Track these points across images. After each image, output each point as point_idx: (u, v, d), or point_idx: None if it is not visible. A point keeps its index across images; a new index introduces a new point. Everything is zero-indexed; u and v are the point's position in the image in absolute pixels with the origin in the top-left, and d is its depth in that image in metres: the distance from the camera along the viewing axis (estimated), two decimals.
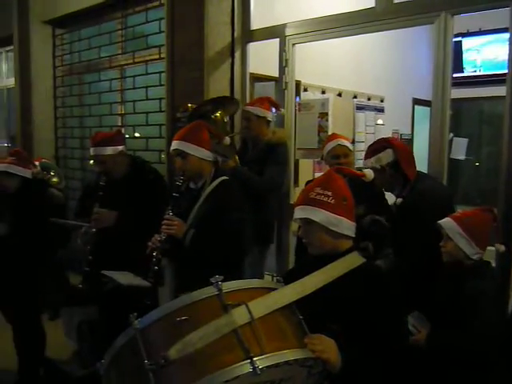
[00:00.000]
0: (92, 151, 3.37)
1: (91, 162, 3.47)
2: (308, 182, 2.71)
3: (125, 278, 3.01)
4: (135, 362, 1.50)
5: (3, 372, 4.05)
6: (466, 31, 7.48)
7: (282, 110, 4.24)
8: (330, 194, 1.92)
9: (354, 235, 1.98)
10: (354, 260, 1.93)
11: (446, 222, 2.42)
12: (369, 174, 2.17)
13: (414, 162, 2.93)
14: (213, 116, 3.90)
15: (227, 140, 3.70)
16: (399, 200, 2.87)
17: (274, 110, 4.09)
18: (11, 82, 7.82)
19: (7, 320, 3.81)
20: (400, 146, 2.93)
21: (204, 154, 2.86)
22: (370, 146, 3.06)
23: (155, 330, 1.54)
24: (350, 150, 3.49)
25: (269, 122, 4.05)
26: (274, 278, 4.27)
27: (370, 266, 1.95)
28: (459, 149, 6.98)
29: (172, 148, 2.89)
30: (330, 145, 3.50)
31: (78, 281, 3.84)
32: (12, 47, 7.43)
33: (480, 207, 2.51)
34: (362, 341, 1.73)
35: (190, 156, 2.83)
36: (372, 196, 2.92)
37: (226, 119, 4.02)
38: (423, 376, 2.24)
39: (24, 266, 3.59)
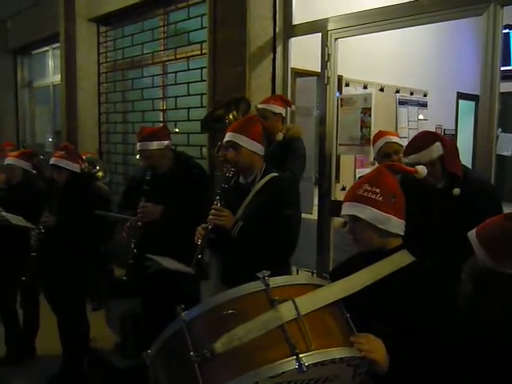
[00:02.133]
0: (138, 146, 3.41)
1: (137, 156, 3.52)
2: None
3: (169, 262, 3.06)
4: (181, 353, 1.51)
5: (49, 360, 4.18)
6: None
7: (293, 106, 4.24)
8: (378, 190, 1.89)
9: (402, 233, 1.93)
10: (402, 258, 1.88)
11: (470, 233, 2.15)
12: (421, 170, 2.08)
13: (458, 156, 2.86)
14: (227, 119, 3.92)
15: (280, 135, 3.73)
16: (457, 190, 2.77)
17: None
18: (57, 78, 8.01)
19: (53, 309, 3.92)
20: (447, 140, 2.86)
21: (256, 147, 2.87)
22: (412, 141, 2.95)
23: (202, 323, 1.55)
24: (400, 146, 3.43)
25: (283, 118, 4.05)
26: (314, 275, 4.29)
27: (419, 264, 1.90)
28: (506, 145, 6.78)
29: (225, 139, 2.91)
30: (378, 144, 3.45)
31: (121, 273, 3.91)
32: (58, 45, 7.61)
33: (505, 214, 2.17)
34: (411, 341, 1.69)
35: (243, 148, 2.84)
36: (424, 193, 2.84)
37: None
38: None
39: (70, 257, 3.69)
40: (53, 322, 3.89)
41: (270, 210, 2.74)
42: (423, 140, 2.86)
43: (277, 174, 2.90)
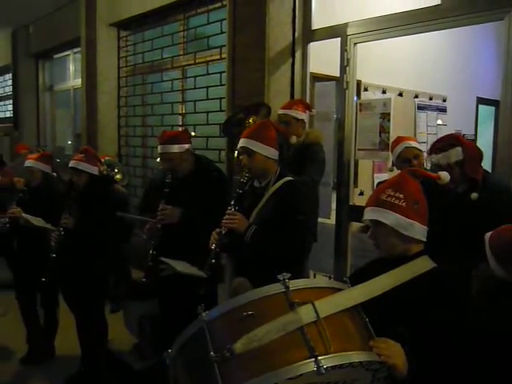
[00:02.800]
0: (159, 149, 3.44)
1: (158, 159, 3.55)
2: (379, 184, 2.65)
3: (181, 266, 3.07)
4: (201, 353, 1.52)
5: (68, 359, 4.22)
6: None
7: (313, 110, 4.24)
8: (401, 196, 1.88)
9: (425, 239, 1.93)
10: (423, 264, 1.88)
11: (486, 235, 2.16)
12: (444, 176, 2.06)
13: (481, 161, 2.84)
14: (247, 124, 3.94)
15: (294, 139, 3.74)
16: (475, 195, 2.75)
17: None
18: (78, 82, 8.12)
19: (71, 310, 3.96)
20: (469, 145, 2.84)
21: (270, 152, 2.88)
22: (436, 141, 2.96)
23: (222, 323, 1.56)
24: (419, 151, 3.43)
25: (305, 123, 4.05)
26: (331, 279, 4.28)
27: (439, 271, 1.89)
28: None
29: (239, 145, 2.93)
30: (398, 149, 3.44)
31: (138, 275, 3.94)
32: (79, 49, 7.72)
33: None
34: (430, 347, 1.69)
35: (256, 154, 2.85)
36: (446, 199, 2.82)
37: None
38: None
39: (89, 259, 3.72)
40: (72, 322, 3.93)
41: (282, 215, 2.75)
42: (444, 143, 2.85)
43: (290, 179, 2.90)
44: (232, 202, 2.87)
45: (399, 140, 3.52)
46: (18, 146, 5.13)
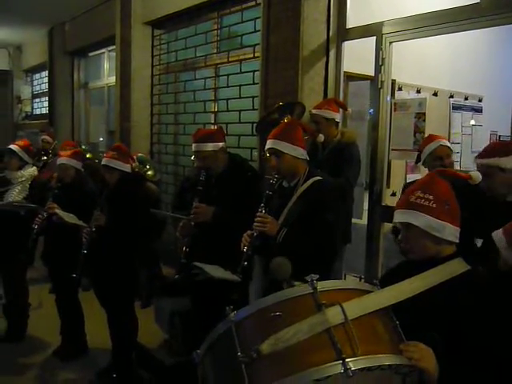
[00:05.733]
0: (194, 147, 3.44)
1: (192, 157, 3.56)
2: (407, 185, 2.60)
3: (215, 271, 3.07)
4: (229, 353, 1.53)
5: (100, 353, 4.28)
6: None
7: (349, 110, 4.19)
8: (431, 197, 1.85)
9: (457, 240, 1.89)
10: (457, 267, 1.83)
11: (496, 234, 2.13)
12: (476, 176, 2.02)
13: None
14: (281, 123, 3.92)
15: (321, 137, 3.71)
16: None
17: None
18: (112, 80, 8.23)
19: (102, 305, 4.02)
20: None
21: (298, 152, 2.86)
22: (492, 144, 2.86)
23: (249, 324, 1.56)
24: (451, 150, 3.38)
25: (337, 123, 4.03)
26: (362, 280, 4.24)
27: (474, 273, 1.85)
28: None
29: (267, 147, 2.93)
30: (431, 146, 3.38)
31: (169, 272, 3.97)
32: (114, 47, 7.82)
33: None
34: (461, 351, 1.65)
35: (285, 155, 2.84)
36: (477, 199, 2.75)
37: None
38: None
39: (121, 255, 3.77)
40: (104, 316, 3.99)
41: (312, 215, 2.73)
42: (505, 148, 2.67)
43: (320, 178, 2.88)
44: (262, 204, 2.86)
45: (432, 138, 3.47)
46: (65, 143, 5.25)
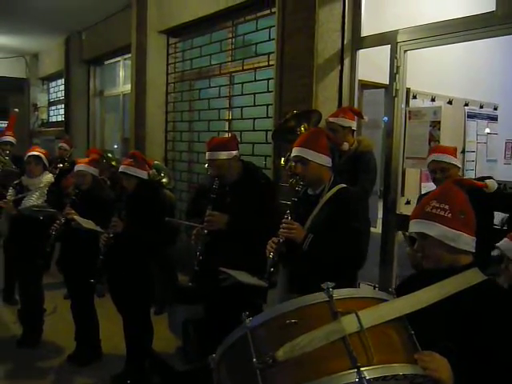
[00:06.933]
0: (207, 155, 3.46)
1: (206, 165, 3.58)
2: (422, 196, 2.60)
3: (243, 276, 3.08)
4: (244, 359, 1.53)
5: (114, 359, 4.30)
6: None
7: (365, 118, 4.19)
8: (447, 207, 1.85)
9: (473, 250, 1.88)
10: (473, 277, 1.82)
11: (503, 244, 2.15)
12: (492, 184, 2.03)
13: None
14: (298, 131, 3.94)
15: (346, 145, 3.73)
16: None
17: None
18: (127, 88, 8.31)
19: (118, 311, 4.04)
20: None
21: (323, 160, 2.88)
22: None
23: (265, 330, 1.57)
24: (449, 164, 3.34)
25: (353, 131, 4.03)
26: (376, 289, 4.21)
27: (491, 284, 1.84)
28: None
29: (293, 154, 2.95)
30: (427, 160, 3.44)
31: (183, 279, 3.97)
32: (129, 56, 7.91)
33: None
34: (477, 362, 1.64)
35: (311, 162, 2.86)
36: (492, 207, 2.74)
37: None
38: None
39: (137, 262, 3.80)
40: (120, 322, 4.02)
41: (338, 222, 2.74)
42: None
43: (345, 186, 2.90)
44: (288, 211, 2.86)
45: (433, 150, 3.49)
46: (91, 150, 5.32)
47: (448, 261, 1.87)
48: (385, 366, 1.45)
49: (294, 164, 3.02)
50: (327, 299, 1.53)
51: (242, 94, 5.90)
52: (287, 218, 2.83)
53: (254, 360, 1.49)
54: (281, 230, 2.79)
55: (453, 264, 1.87)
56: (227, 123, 6.28)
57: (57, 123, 11.90)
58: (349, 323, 1.49)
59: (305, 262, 2.76)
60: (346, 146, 3.81)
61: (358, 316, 1.50)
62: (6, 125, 7.24)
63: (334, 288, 1.54)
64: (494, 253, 2.89)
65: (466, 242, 1.86)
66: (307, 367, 1.46)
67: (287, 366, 1.47)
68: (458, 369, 1.60)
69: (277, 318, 1.55)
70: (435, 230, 1.84)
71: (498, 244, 2.14)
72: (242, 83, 5.90)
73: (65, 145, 6.80)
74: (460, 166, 3.51)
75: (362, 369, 1.41)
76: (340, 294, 1.55)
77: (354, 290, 1.66)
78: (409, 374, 1.49)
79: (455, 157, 3.43)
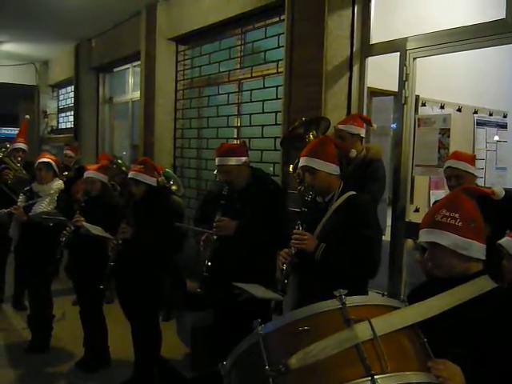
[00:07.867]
0: (217, 161, 3.48)
1: (215, 171, 3.59)
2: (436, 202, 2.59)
3: (257, 290, 3.06)
4: (257, 366, 1.53)
5: (121, 365, 4.31)
6: None
7: (374, 125, 4.19)
8: (457, 216, 1.84)
9: (484, 258, 1.88)
10: (484, 284, 1.82)
11: (506, 241, 2.14)
12: (499, 191, 2.02)
13: None
14: (307, 138, 3.93)
15: (353, 153, 3.72)
16: None
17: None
18: (136, 95, 8.34)
19: (127, 317, 4.04)
20: None
21: (331, 168, 2.88)
22: None
23: (277, 338, 1.57)
24: (463, 171, 3.34)
25: (362, 138, 4.03)
26: (385, 296, 4.19)
27: (502, 291, 1.84)
28: None
29: (300, 164, 2.95)
30: (444, 166, 3.41)
31: (191, 286, 3.96)
32: (138, 63, 7.94)
33: None
34: (489, 369, 1.63)
35: (319, 172, 2.86)
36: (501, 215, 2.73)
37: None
38: None
39: (146, 268, 3.80)
40: (128, 328, 4.02)
41: (348, 229, 2.73)
42: None
43: (354, 193, 2.89)
44: (298, 222, 2.86)
45: (451, 156, 3.48)
46: (101, 155, 5.34)
47: (460, 269, 1.86)
48: (398, 374, 1.46)
49: (301, 173, 3.02)
50: (340, 306, 1.53)
51: (251, 101, 5.91)
52: (298, 228, 2.83)
53: (267, 368, 1.49)
54: (292, 240, 2.79)
55: (464, 272, 1.86)
56: (236, 130, 6.28)
57: (66, 130, 11.96)
58: (362, 331, 1.49)
59: (318, 272, 2.75)
60: (353, 153, 3.80)
61: (371, 323, 1.51)
62: (17, 131, 7.27)
63: (346, 295, 1.54)
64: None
65: (478, 249, 1.85)
66: (320, 375, 1.46)
67: (300, 373, 1.47)
68: (471, 376, 1.60)
69: (289, 325, 1.56)
70: (447, 239, 1.83)
71: (499, 241, 2.13)
72: (251, 90, 5.91)
73: (70, 152, 6.81)
74: (477, 174, 3.49)
75: (376, 377, 1.41)
76: (353, 301, 1.56)
77: (366, 298, 1.67)
78: (422, 383, 1.48)
79: (472, 165, 3.41)
